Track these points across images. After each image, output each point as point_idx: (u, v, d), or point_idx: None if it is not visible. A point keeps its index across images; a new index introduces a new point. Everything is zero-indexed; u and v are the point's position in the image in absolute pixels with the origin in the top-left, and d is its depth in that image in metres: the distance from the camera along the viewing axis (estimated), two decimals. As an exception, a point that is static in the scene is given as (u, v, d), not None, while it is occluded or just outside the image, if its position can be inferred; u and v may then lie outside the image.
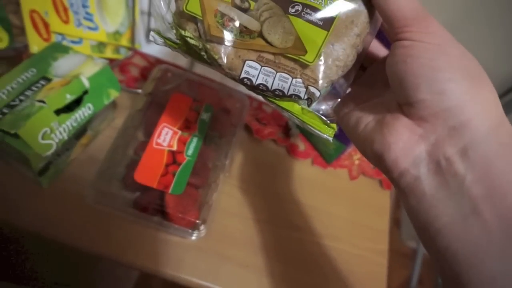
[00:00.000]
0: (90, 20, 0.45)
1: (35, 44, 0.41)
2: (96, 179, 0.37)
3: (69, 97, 0.34)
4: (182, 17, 0.21)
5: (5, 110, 0.32)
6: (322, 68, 0.21)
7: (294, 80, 0.21)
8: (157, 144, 0.39)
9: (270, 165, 0.47)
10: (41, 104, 0.33)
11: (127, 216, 0.37)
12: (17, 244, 0.55)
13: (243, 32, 0.21)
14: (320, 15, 0.21)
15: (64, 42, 0.44)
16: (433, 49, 0.18)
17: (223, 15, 0.21)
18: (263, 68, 0.21)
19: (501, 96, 0.75)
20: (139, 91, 0.47)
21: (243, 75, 0.21)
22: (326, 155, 0.49)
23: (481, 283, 0.16)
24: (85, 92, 0.36)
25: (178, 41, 0.22)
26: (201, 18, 0.21)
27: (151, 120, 0.41)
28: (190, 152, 0.39)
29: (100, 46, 0.47)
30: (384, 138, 0.20)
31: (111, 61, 0.48)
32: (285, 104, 0.22)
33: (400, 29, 0.19)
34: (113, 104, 0.43)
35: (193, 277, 0.37)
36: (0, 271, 0.52)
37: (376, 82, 0.24)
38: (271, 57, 0.21)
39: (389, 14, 0.19)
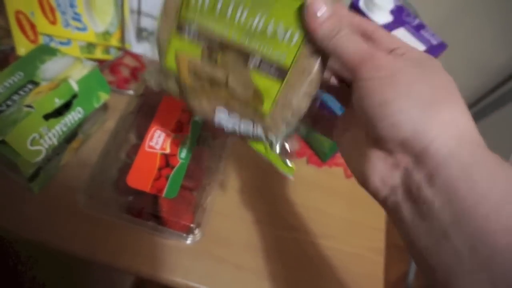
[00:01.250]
0: (79, 20, 0.44)
1: (22, 46, 0.40)
2: (88, 184, 0.36)
3: (58, 101, 0.34)
4: (164, 71, 0.25)
5: (-9, 116, 0.32)
6: (278, 116, 0.24)
7: (255, 127, 0.24)
8: (150, 147, 0.38)
9: (264, 166, 0.46)
10: (29, 109, 0.32)
11: (121, 221, 0.37)
12: (10, 248, 0.54)
13: (213, 83, 0.24)
14: (275, 67, 0.23)
15: (52, 44, 0.43)
16: (382, 83, 0.19)
17: (194, 68, 0.24)
18: (230, 114, 0.24)
19: (499, 85, 0.75)
20: (131, 92, 0.46)
21: (215, 120, 0.24)
22: (321, 154, 0.49)
23: None
24: (74, 95, 0.35)
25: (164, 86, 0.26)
26: (177, 73, 0.24)
27: (143, 122, 0.40)
28: (183, 154, 0.39)
29: (90, 46, 0.46)
30: (364, 170, 0.21)
31: (101, 62, 0.47)
32: (253, 143, 0.25)
33: (353, 72, 0.20)
34: (104, 106, 0.42)
35: (189, 281, 0.36)
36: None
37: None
38: (236, 105, 0.24)
39: (341, 61, 0.21)
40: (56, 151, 0.36)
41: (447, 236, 0.17)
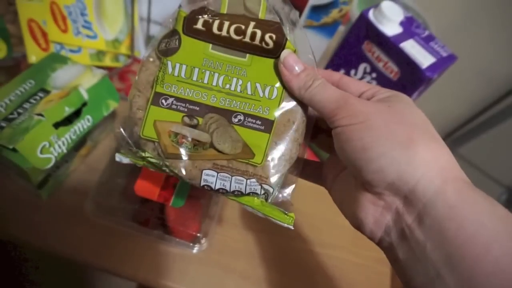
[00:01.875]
0: (89, 28, 0.45)
1: (34, 54, 0.41)
2: (96, 191, 0.36)
3: (68, 110, 0.34)
4: (141, 140, 0.24)
5: (3, 124, 0.32)
6: (270, 166, 0.24)
7: (248, 180, 0.24)
8: (157, 155, 0.38)
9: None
10: (40, 117, 0.32)
11: (127, 229, 0.37)
12: (16, 252, 0.54)
13: (196, 145, 0.24)
14: (260, 121, 0.24)
15: (63, 51, 0.43)
16: (359, 129, 0.19)
17: (176, 134, 0.24)
18: (219, 174, 0.24)
19: (506, 95, 0.75)
20: (139, 99, 0.46)
21: (202, 183, 0.24)
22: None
23: None
24: (84, 104, 0.36)
25: (141, 160, 0.25)
26: (157, 140, 0.24)
27: (151, 130, 0.41)
28: (190, 163, 0.39)
29: (99, 54, 0.47)
30: (356, 215, 0.21)
31: (110, 69, 0.48)
32: (245, 200, 0.24)
33: (330, 119, 0.21)
34: (113, 113, 0.42)
35: (195, 290, 0.36)
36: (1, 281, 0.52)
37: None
38: (224, 163, 0.24)
39: (318, 109, 0.22)
40: (65, 159, 0.36)
41: (440, 276, 0.17)
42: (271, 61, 0.24)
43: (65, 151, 0.34)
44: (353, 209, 0.21)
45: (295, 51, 0.24)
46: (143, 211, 0.36)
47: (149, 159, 0.24)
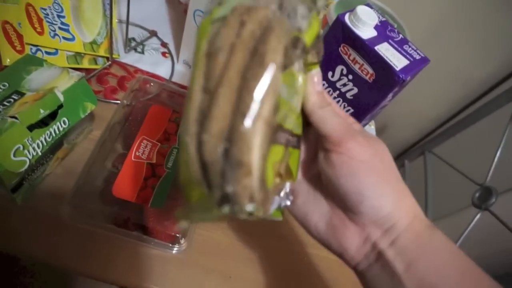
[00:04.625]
0: (66, 30, 0.44)
1: (8, 57, 0.40)
2: (73, 195, 0.36)
3: (43, 112, 0.33)
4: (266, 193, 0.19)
5: (-25, 127, 0.31)
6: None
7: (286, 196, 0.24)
8: (136, 157, 0.38)
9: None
10: (13, 120, 0.32)
11: (106, 232, 0.36)
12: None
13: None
14: (295, 137, 0.24)
15: (39, 54, 0.43)
16: (365, 167, 0.22)
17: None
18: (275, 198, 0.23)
19: (480, 97, 0.77)
20: (118, 102, 0.46)
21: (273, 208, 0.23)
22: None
23: None
24: (60, 106, 0.35)
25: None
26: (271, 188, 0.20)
27: (130, 132, 0.40)
28: (170, 164, 0.39)
29: (77, 56, 0.46)
30: (340, 244, 0.25)
31: (88, 71, 0.47)
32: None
33: (335, 144, 0.23)
34: (91, 116, 0.42)
35: (175, 292, 0.36)
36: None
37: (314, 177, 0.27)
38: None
39: (326, 131, 0.23)
40: (41, 162, 0.36)
41: (401, 282, 0.22)
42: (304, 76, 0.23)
43: (40, 153, 0.34)
44: (337, 239, 0.25)
45: None
46: (122, 213, 0.36)
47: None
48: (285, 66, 0.18)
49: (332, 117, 0.24)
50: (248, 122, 0.16)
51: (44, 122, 0.34)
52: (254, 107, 0.16)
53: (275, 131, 0.18)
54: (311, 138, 0.27)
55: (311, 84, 0.24)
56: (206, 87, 0.18)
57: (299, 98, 0.23)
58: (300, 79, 0.22)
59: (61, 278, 0.59)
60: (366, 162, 0.22)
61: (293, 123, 0.23)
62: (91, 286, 0.61)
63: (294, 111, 0.22)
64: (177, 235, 0.36)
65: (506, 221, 0.63)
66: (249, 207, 0.18)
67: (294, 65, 0.20)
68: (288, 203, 0.25)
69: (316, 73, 0.24)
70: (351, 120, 0.27)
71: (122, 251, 0.36)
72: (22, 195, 0.35)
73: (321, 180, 0.26)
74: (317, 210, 0.26)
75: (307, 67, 0.23)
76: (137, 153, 0.39)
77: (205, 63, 0.18)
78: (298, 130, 0.24)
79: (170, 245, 0.37)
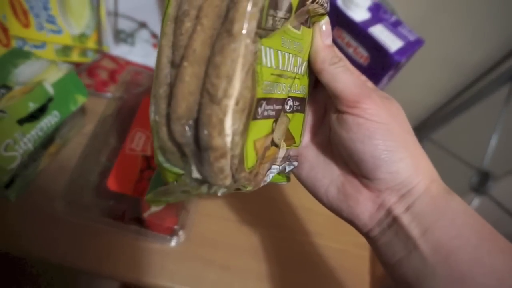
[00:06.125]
0: (53, 23, 0.43)
1: (-6, 50, 0.39)
2: (67, 190, 0.35)
3: (32, 106, 0.33)
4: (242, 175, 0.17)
5: (-38, 123, 0.31)
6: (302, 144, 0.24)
7: (288, 163, 0.23)
8: (131, 149, 0.38)
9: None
10: (2, 114, 0.31)
11: (102, 226, 0.36)
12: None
13: (268, 149, 0.20)
14: (299, 101, 0.22)
15: (26, 47, 0.42)
16: (383, 129, 0.21)
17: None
18: (271, 170, 0.21)
19: (474, 82, 0.77)
20: (109, 95, 0.45)
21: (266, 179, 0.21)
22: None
23: None
24: (50, 99, 0.34)
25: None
26: (256, 167, 0.19)
27: (123, 124, 0.40)
28: (165, 156, 0.38)
29: (66, 49, 0.45)
30: (352, 210, 0.23)
31: (78, 65, 0.46)
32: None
33: (350, 104, 0.21)
34: (82, 110, 0.41)
35: (175, 284, 0.36)
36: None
37: (324, 139, 0.25)
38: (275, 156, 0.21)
39: (338, 90, 0.21)
40: (33, 157, 0.35)
41: (416, 246, 0.21)
42: (310, 31, 0.21)
43: (31, 148, 0.33)
44: (349, 205, 0.23)
45: None
46: (118, 207, 0.35)
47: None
48: (266, 31, 0.16)
49: (345, 74, 0.21)
50: (215, 101, 0.14)
51: (35, 116, 0.33)
52: (222, 85, 0.14)
53: (255, 106, 0.16)
54: (319, 99, 0.25)
55: (319, 37, 0.21)
56: (173, 59, 0.15)
57: (303, 56, 0.21)
58: (301, 36, 0.19)
59: (64, 277, 0.58)
60: (384, 124, 0.21)
61: (291, 88, 0.20)
62: (92, 282, 0.60)
63: (292, 75, 0.20)
64: (175, 227, 0.36)
65: (504, 204, 0.63)
66: (226, 189, 0.17)
67: (290, 21, 0.18)
68: (292, 167, 0.24)
69: (324, 22, 0.21)
70: (364, 77, 0.24)
71: (119, 245, 0.36)
72: (15, 192, 0.35)
73: (331, 144, 0.24)
74: (327, 176, 0.24)
75: (311, 19, 0.20)
76: (131, 146, 0.38)
77: (172, 30, 0.15)
78: (301, 93, 0.22)
79: (168, 237, 0.36)
